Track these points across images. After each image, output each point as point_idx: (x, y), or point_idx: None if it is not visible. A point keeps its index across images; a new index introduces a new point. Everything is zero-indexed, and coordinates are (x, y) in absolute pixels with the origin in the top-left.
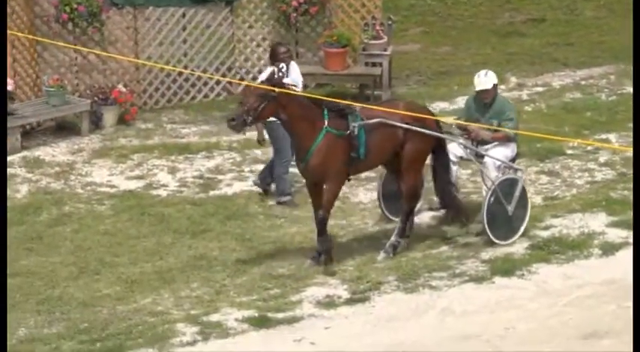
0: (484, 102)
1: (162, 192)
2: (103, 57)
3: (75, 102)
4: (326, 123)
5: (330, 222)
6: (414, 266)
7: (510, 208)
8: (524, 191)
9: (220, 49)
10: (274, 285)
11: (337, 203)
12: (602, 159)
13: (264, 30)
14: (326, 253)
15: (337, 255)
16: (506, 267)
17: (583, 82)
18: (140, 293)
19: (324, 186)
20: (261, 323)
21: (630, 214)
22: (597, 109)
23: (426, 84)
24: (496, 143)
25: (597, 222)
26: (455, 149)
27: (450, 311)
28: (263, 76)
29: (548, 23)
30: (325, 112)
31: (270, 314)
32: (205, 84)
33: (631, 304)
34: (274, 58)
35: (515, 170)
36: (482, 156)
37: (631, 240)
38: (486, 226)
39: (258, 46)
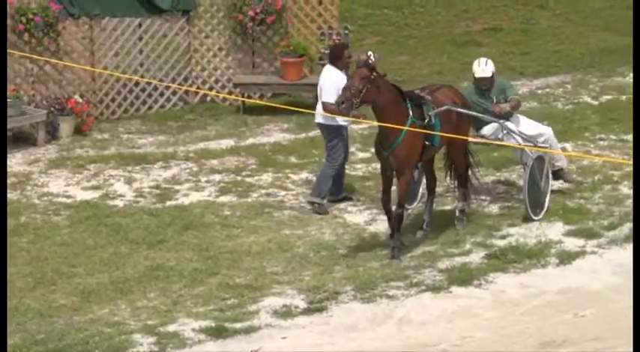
0: (483, 88)
1: (119, 203)
2: (59, 67)
3: (31, 113)
4: (411, 113)
5: (287, 232)
6: (371, 275)
7: (542, 184)
8: (548, 167)
9: (177, 59)
10: (231, 295)
11: (294, 213)
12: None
13: (221, 40)
14: (398, 249)
15: (294, 265)
16: (463, 277)
17: (539, 91)
18: (97, 303)
19: (399, 178)
20: (218, 333)
21: (587, 223)
22: (553, 118)
23: None
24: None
25: (554, 230)
26: (489, 130)
27: (407, 320)
28: (336, 78)
29: (504, 32)
30: (408, 102)
31: (227, 324)
32: (162, 94)
33: (587, 313)
34: (336, 59)
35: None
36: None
37: (588, 249)
38: (527, 202)
39: (215, 56)
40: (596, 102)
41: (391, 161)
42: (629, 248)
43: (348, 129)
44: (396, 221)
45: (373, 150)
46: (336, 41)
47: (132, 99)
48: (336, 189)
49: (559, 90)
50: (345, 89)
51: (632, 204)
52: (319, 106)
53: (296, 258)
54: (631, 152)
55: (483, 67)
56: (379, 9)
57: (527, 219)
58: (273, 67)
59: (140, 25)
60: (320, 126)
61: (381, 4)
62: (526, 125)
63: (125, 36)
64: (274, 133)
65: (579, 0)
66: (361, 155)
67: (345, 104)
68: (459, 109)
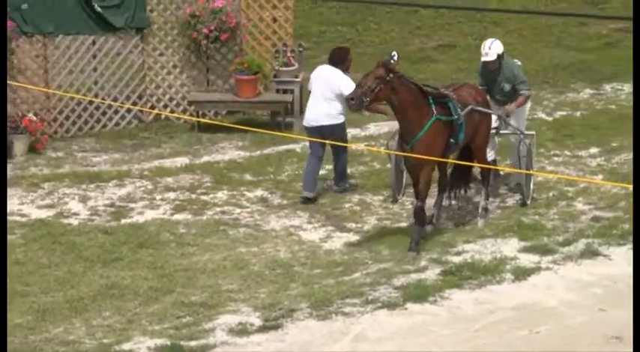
0: (491, 69)
1: (74, 221)
2: (12, 85)
3: None
4: (435, 111)
5: (242, 250)
6: (326, 293)
7: (531, 170)
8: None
9: (131, 76)
10: (186, 313)
11: (249, 230)
12: (513, 185)
13: (175, 57)
14: (417, 243)
15: (249, 282)
16: (419, 293)
17: None
18: (52, 322)
19: (420, 175)
20: (173, 351)
21: (542, 239)
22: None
23: None
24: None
25: (509, 247)
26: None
27: (363, 337)
28: (348, 78)
29: (459, 49)
30: (431, 101)
31: (182, 343)
32: (116, 112)
33: (543, 329)
34: (340, 62)
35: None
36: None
37: (543, 265)
38: (524, 191)
39: (169, 73)
40: (550, 119)
41: (413, 157)
42: (584, 263)
43: None
44: (416, 214)
45: (330, 167)
46: (291, 58)
47: (86, 117)
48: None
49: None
50: (357, 86)
51: (586, 220)
52: (331, 107)
53: (251, 275)
54: (585, 168)
55: (487, 51)
56: (333, 26)
57: (482, 236)
58: (227, 85)
59: (94, 42)
60: (324, 127)
61: (335, 21)
62: (523, 119)
63: (79, 54)
64: (229, 151)
65: (532, 16)
66: None
67: (354, 101)
68: (481, 109)
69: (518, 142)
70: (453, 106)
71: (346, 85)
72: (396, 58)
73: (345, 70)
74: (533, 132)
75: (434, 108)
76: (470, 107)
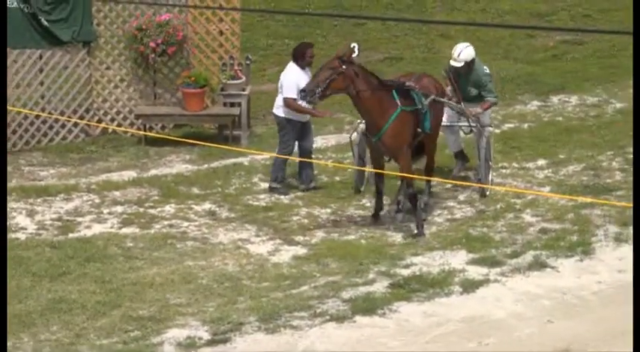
0: (460, 71)
1: (21, 235)
2: None
3: None
4: (399, 102)
5: (190, 263)
6: (274, 306)
7: (491, 163)
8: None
9: (78, 90)
10: (134, 327)
11: (197, 244)
12: (461, 197)
13: (122, 71)
14: (422, 226)
15: (197, 296)
16: (367, 306)
17: None
18: None
19: (399, 163)
20: None
21: (490, 251)
22: None
23: None
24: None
25: (457, 259)
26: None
27: (311, 350)
28: (296, 75)
29: (405, 61)
30: (395, 93)
31: None
32: (63, 126)
33: (491, 341)
34: (299, 57)
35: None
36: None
37: (491, 277)
38: (484, 181)
39: (116, 87)
40: (498, 131)
41: (380, 147)
42: (532, 275)
43: (310, 122)
44: (411, 202)
45: (265, 185)
46: (238, 71)
47: (33, 131)
48: (305, 178)
49: (461, 119)
50: (312, 78)
51: (534, 232)
52: (278, 99)
53: (199, 289)
54: (533, 180)
55: (456, 57)
56: (280, 39)
57: (431, 248)
58: (174, 98)
59: (41, 56)
60: (274, 116)
61: (282, 34)
62: (486, 114)
63: (26, 68)
64: (176, 164)
65: (480, 29)
66: (263, 185)
67: (305, 93)
68: (442, 99)
69: (477, 135)
70: (417, 96)
71: (286, 85)
72: (356, 49)
73: (306, 66)
74: (491, 128)
75: (398, 100)
76: (432, 97)
